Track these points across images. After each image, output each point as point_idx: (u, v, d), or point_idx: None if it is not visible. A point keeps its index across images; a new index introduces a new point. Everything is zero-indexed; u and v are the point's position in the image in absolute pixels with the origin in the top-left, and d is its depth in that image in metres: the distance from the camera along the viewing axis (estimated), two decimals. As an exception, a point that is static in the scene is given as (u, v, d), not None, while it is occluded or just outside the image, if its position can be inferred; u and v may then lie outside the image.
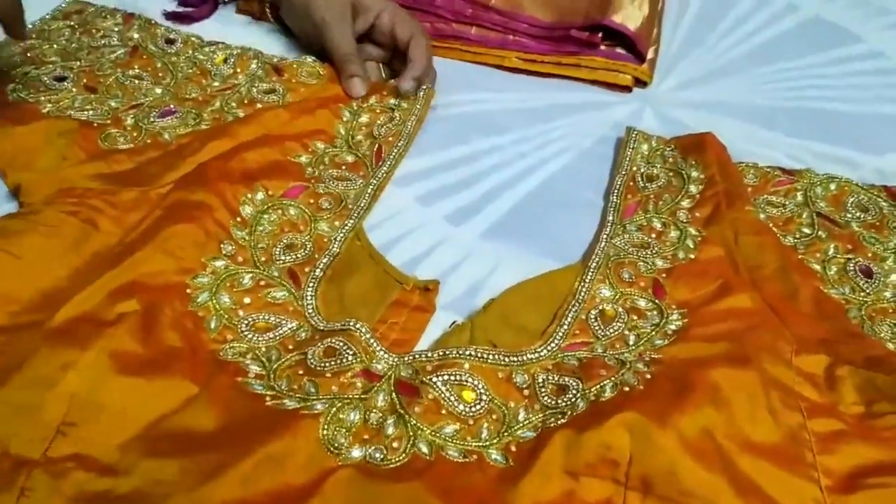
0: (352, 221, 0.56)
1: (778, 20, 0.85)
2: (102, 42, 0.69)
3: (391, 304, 0.51)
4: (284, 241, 0.54)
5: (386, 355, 0.46)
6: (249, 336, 0.48)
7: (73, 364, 0.42)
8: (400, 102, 0.66)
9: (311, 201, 0.57)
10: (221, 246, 0.52)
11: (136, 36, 0.70)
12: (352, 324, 0.47)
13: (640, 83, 0.75)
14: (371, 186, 0.59)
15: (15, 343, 0.44)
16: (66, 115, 0.61)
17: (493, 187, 0.63)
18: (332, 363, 0.45)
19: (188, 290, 0.49)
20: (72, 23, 0.72)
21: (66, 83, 0.64)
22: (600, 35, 0.74)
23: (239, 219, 0.54)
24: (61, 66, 0.66)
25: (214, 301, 0.49)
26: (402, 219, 0.59)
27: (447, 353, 0.46)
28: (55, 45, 0.69)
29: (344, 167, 0.61)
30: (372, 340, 0.47)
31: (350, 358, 0.46)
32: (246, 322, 0.48)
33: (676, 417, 0.41)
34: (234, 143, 0.59)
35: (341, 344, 0.46)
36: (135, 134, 0.60)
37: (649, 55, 0.75)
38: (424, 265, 0.55)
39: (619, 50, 0.75)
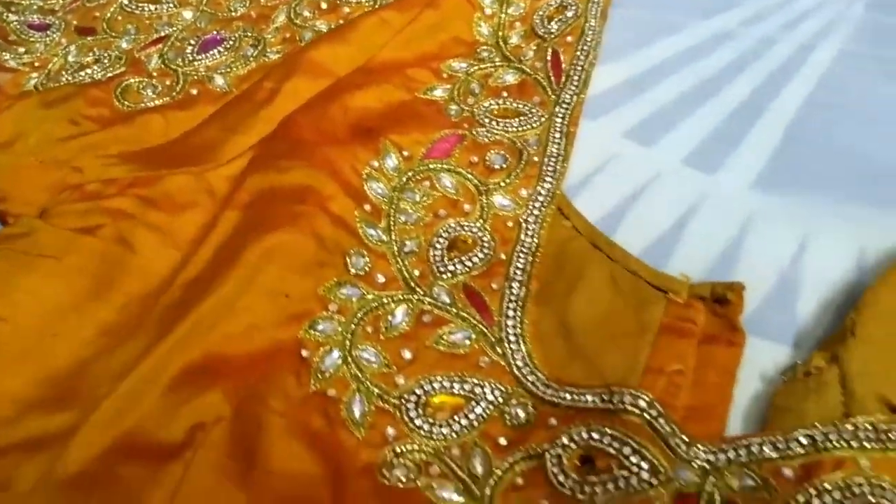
0: (547, 185, 0.33)
1: None
2: None
3: (661, 335, 0.28)
4: (444, 234, 0.31)
5: (698, 450, 0.24)
6: (426, 428, 0.26)
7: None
8: None
9: (474, 159, 0.34)
10: (348, 260, 0.30)
11: None
12: (617, 397, 0.25)
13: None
14: (559, 121, 0.36)
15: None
16: (60, 81, 0.39)
17: (744, 103, 0.38)
18: (607, 483, 0.24)
19: (304, 353, 0.27)
20: None
21: (50, 32, 0.42)
22: None
23: (368, 206, 0.32)
24: (38, 6, 0.44)
25: (352, 364, 0.27)
26: (615, 170, 0.36)
27: (818, 438, 0.24)
28: None
29: (506, 94, 0.37)
30: (665, 425, 0.25)
31: (636, 468, 0.24)
32: (415, 398, 0.27)
33: None
34: (328, 81, 0.36)
35: (609, 439, 0.24)
36: (168, 82, 0.38)
37: None
38: (679, 250, 0.32)
39: None
